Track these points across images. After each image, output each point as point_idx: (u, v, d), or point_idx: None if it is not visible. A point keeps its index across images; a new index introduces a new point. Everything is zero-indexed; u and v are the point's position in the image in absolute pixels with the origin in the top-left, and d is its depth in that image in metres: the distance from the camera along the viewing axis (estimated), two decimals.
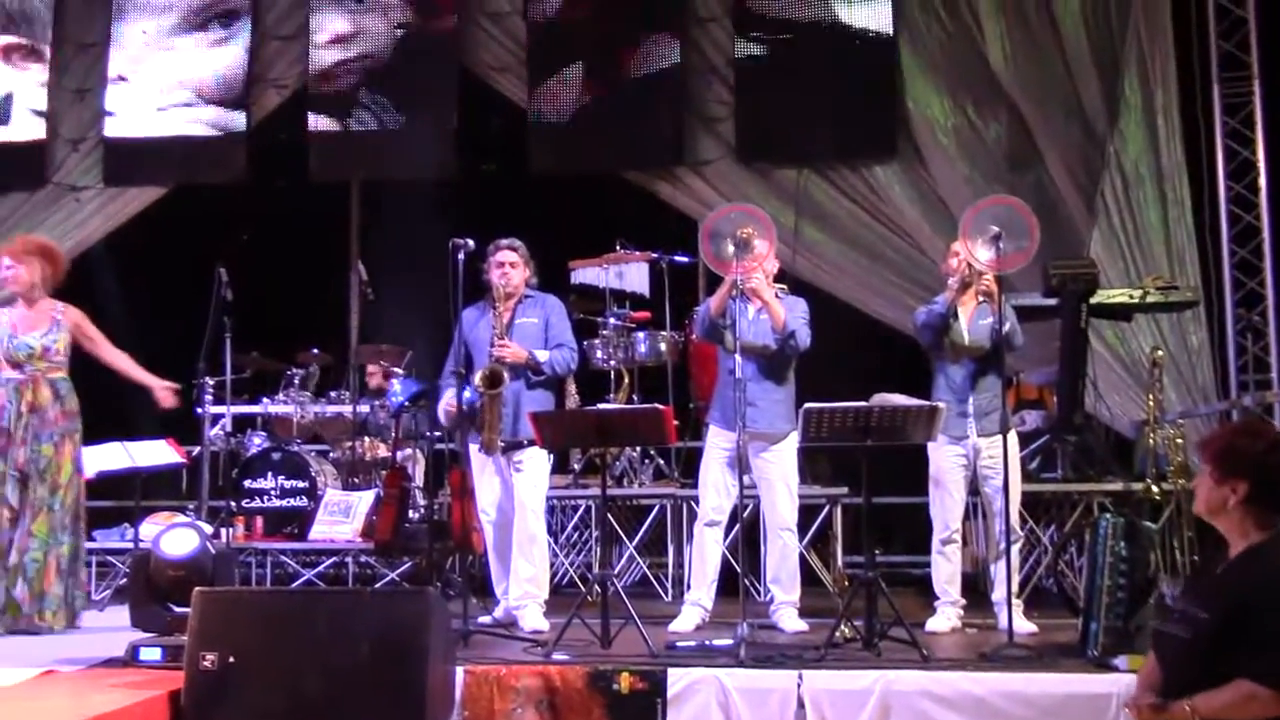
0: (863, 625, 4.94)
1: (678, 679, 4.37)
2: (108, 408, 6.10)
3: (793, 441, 5.61)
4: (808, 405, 5.01)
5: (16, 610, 5.54)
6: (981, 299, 5.59)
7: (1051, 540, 6.86)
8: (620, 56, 8.79)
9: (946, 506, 5.64)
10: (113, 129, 9.24)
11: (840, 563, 6.88)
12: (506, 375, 5.57)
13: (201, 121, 9.20)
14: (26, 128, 9.32)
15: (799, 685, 4.31)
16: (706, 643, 4.90)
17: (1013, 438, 5.65)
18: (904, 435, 5.16)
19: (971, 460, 5.62)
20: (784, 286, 6.60)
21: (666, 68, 8.72)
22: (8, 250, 5.94)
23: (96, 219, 9.01)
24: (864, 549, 5.27)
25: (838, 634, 4.87)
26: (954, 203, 8.01)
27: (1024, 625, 5.44)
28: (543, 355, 5.70)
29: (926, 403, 5.33)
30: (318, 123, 9.07)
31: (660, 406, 5.31)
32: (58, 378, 5.80)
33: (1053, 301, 6.97)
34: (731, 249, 5.32)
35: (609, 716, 4.34)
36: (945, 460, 5.62)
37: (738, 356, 5.17)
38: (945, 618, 5.59)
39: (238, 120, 9.12)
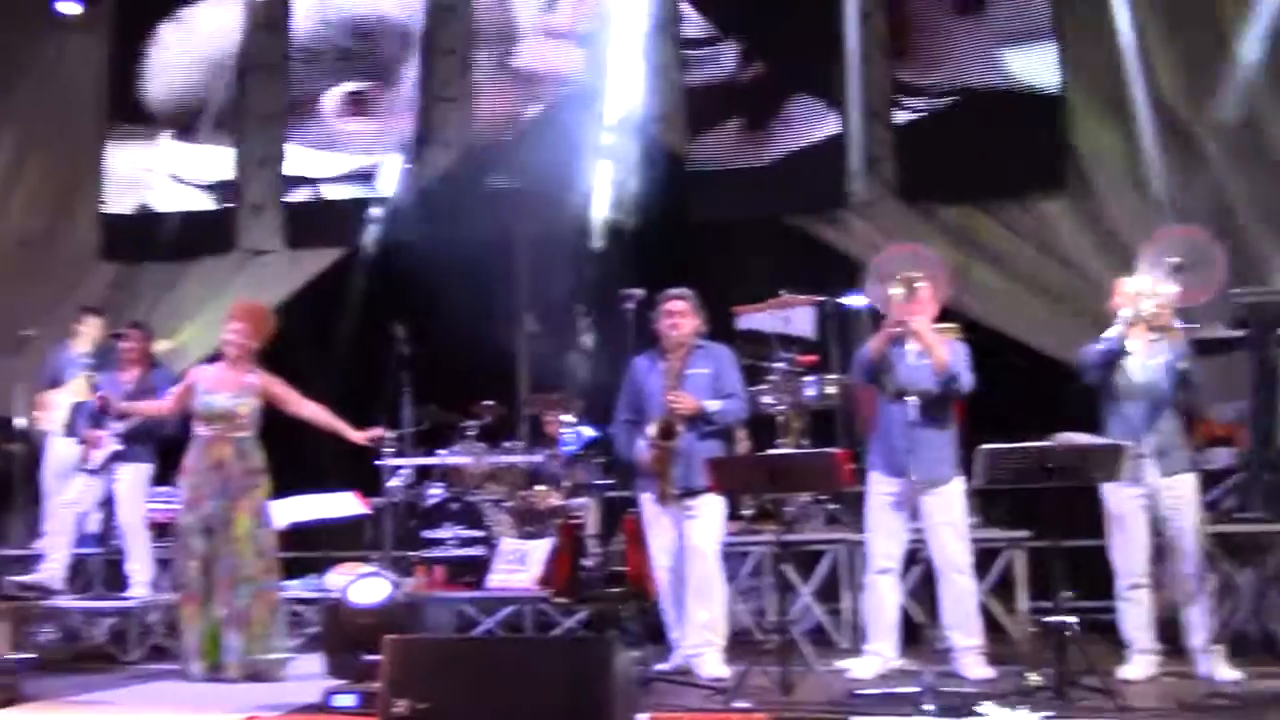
0: (1052, 673, 4.79)
1: None
2: (299, 461, 6.34)
3: (957, 485, 5.52)
4: (985, 446, 4.91)
5: (216, 657, 5.80)
6: (1155, 335, 5.41)
7: (1250, 583, 6.53)
8: (780, 103, 8.83)
9: (1130, 551, 5.44)
10: (292, 195, 9.70)
11: (1023, 608, 6.68)
12: (680, 427, 5.59)
13: (375, 182, 9.58)
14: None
15: None
16: (890, 690, 4.82)
17: (1192, 477, 5.43)
18: (1087, 475, 5.03)
19: (1153, 501, 5.42)
20: (955, 326, 6.53)
21: (827, 108, 8.74)
22: (240, 316, 6.28)
23: (281, 281, 9.41)
24: (1051, 593, 5.09)
25: (1027, 682, 4.73)
26: (1126, 235, 7.80)
27: (1226, 673, 5.19)
28: (714, 406, 5.70)
29: (1110, 441, 5.17)
30: (484, 179, 9.35)
31: (834, 450, 5.28)
32: (241, 437, 6.09)
33: (1239, 333, 6.69)
34: (896, 291, 5.28)
35: None
36: (1124, 502, 5.43)
37: (911, 400, 5.11)
38: (1139, 665, 5.38)
39: (410, 181, 9.45)
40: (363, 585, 4.85)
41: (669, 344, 5.73)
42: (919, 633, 6.39)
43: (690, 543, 5.61)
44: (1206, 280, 5.03)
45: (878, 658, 5.52)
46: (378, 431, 6.26)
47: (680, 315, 5.77)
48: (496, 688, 4.13)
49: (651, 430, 5.58)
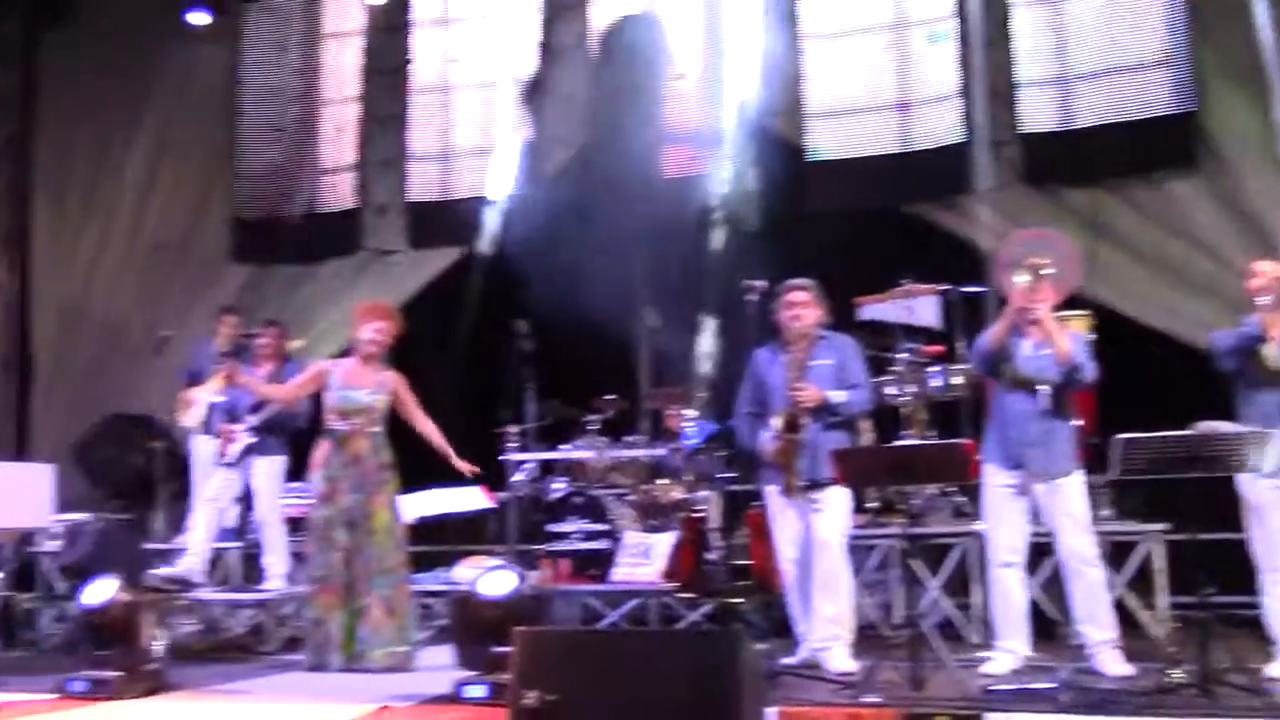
0: (1196, 670, 4.63)
1: None
2: (425, 456, 6.43)
3: (1077, 478, 5.38)
4: (1122, 435, 4.77)
5: (353, 648, 5.94)
6: None
7: None
8: (899, 90, 8.71)
9: (1270, 543, 5.23)
10: (415, 194, 9.87)
11: (1163, 603, 6.48)
12: (805, 419, 5.53)
13: (494, 181, 9.68)
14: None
15: None
16: (1025, 687, 4.70)
17: None
18: (1231, 464, 4.83)
19: None
20: (1086, 313, 6.36)
21: (947, 94, 8.59)
22: (380, 315, 6.42)
23: (405, 281, 9.57)
24: (1192, 587, 4.92)
25: (1169, 679, 4.58)
26: (1262, 215, 7.52)
27: None
28: (838, 397, 5.62)
29: (1255, 429, 4.97)
30: (602, 175, 9.39)
31: (963, 442, 5.17)
32: (375, 432, 6.21)
33: None
34: (1022, 278, 5.16)
35: None
36: (1262, 493, 5.21)
37: (1034, 391, 4.97)
38: None
39: (527, 178, 9.55)
40: (491, 578, 4.90)
41: (791, 336, 5.67)
42: (1053, 629, 6.26)
43: (816, 535, 5.55)
44: None
45: (1010, 654, 5.40)
46: (473, 469, 6.36)
47: (802, 306, 5.69)
48: (624, 680, 4.13)
49: (776, 423, 5.53)
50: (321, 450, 6.28)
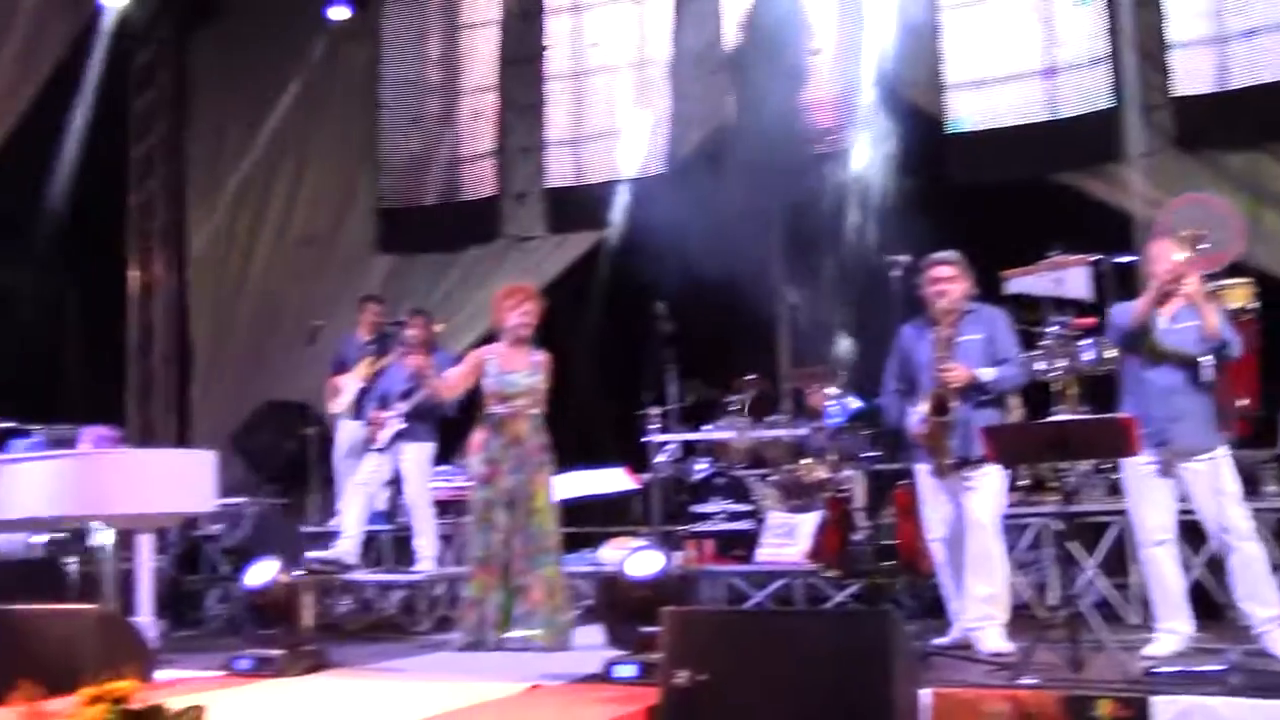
0: None
1: (1165, 707, 4.05)
2: (568, 438, 6.49)
3: (1222, 453, 5.16)
4: None
5: (509, 628, 6.04)
6: None
7: None
8: (1045, 51, 8.45)
9: None
10: (553, 180, 9.95)
11: None
12: (954, 401, 5.36)
13: (629, 163, 9.70)
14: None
15: None
16: (1192, 669, 4.53)
17: None
18: None
19: None
20: (1247, 280, 6.09)
21: (1095, 59, 8.30)
22: (524, 295, 6.48)
23: (546, 265, 9.66)
24: None
25: None
26: None
27: None
28: (988, 374, 5.43)
29: None
30: (738, 153, 9.32)
31: (1124, 416, 4.99)
32: (535, 414, 6.28)
33: None
34: (1178, 249, 4.95)
35: None
36: None
37: (1176, 366, 4.74)
38: None
39: (662, 160, 9.55)
40: (639, 558, 4.92)
41: (937, 311, 5.51)
42: (1220, 611, 6.02)
43: (969, 515, 5.40)
44: None
45: (1173, 635, 5.20)
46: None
47: (948, 280, 5.52)
48: (775, 660, 4.12)
49: (923, 407, 5.39)
50: (480, 434, 6.35)
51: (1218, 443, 5.17)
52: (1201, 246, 4.85)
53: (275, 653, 5.26)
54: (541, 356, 6.36)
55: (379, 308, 8.86)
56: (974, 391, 5.43)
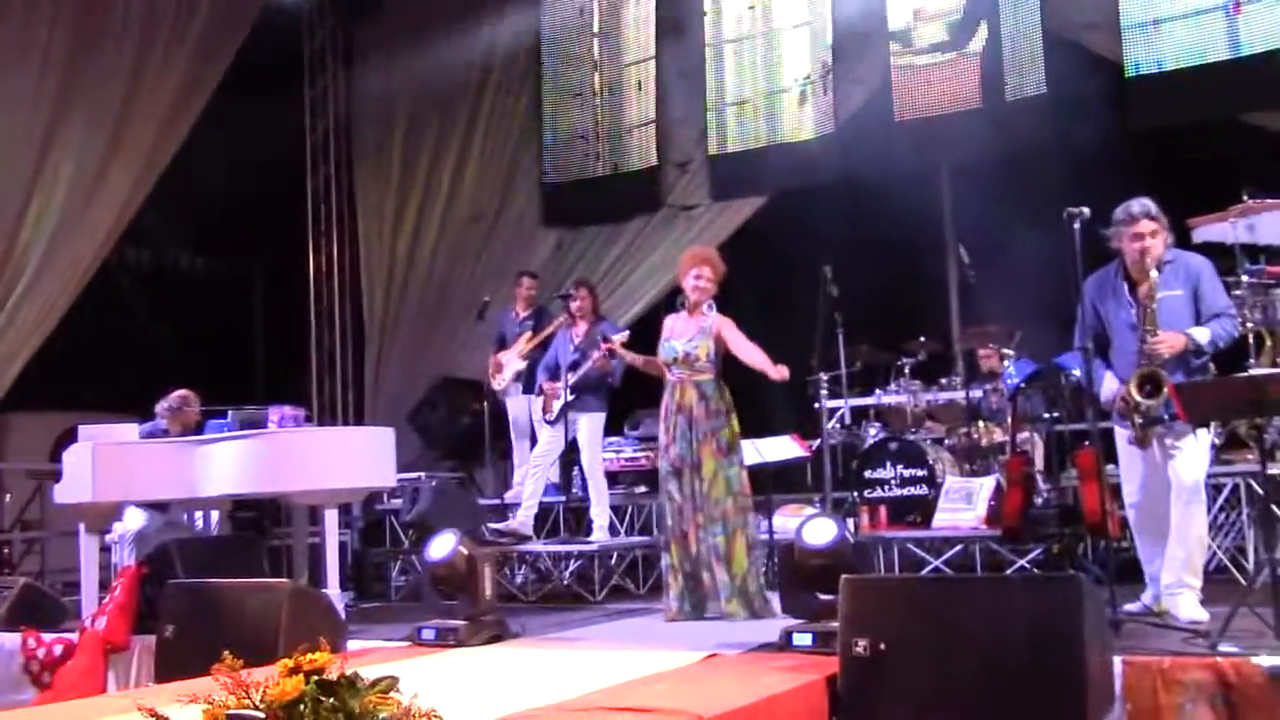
0: None
1: None
2: (738, 407, 6.44)
3: None
4: None
5: (692, 596, 6.08)
6: None
7: None
8: None
9: None
10: (714, 148, 9.89)
11: None
12: (1166, 378, 4.99)
13: (793, 127, 9.58)
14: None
15: None
16: None
17: None
18: None
19: None
20: None
21: None
22: (706, 261, 6.45)
23: (708, 233, 9.61)
24: None
25: None
26: None
27: None
28: (1202, 335, 5.05)
29: None
30: (904, 113, 9.13)
31: None
32: (703, 380, 6.24)
33: None
34: None
35: None
36: None
37: None
38: None
39: (826, 122, 9.40)
40: (814, 526, 4.86)
41: (1139, 270, 5.14)
42: None
43: (1173, 475, 5.11)
44: None
45: None
46: (781, 370, 6.19)
47: (1152, 235, 5.12)
48: (958, 628, 4.02)
49: (1132, 390, 5.04)
50: (664, 402, 6.37)
51: None
52: None
53: (457, 623, 5.37)
54: (712, 322, 6.31)
55: (533, 281, 8.98)
56: (1189, 356, 5.08)
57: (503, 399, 8.85)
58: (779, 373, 6.12)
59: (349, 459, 6.67)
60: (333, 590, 6.36)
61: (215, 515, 8.10)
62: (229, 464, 6.59)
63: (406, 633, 5.56)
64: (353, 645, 5.42)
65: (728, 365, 6.35)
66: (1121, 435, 5.31)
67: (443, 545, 5.55)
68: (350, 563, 8.30)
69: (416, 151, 11.20)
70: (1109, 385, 5.28)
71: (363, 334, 11.27)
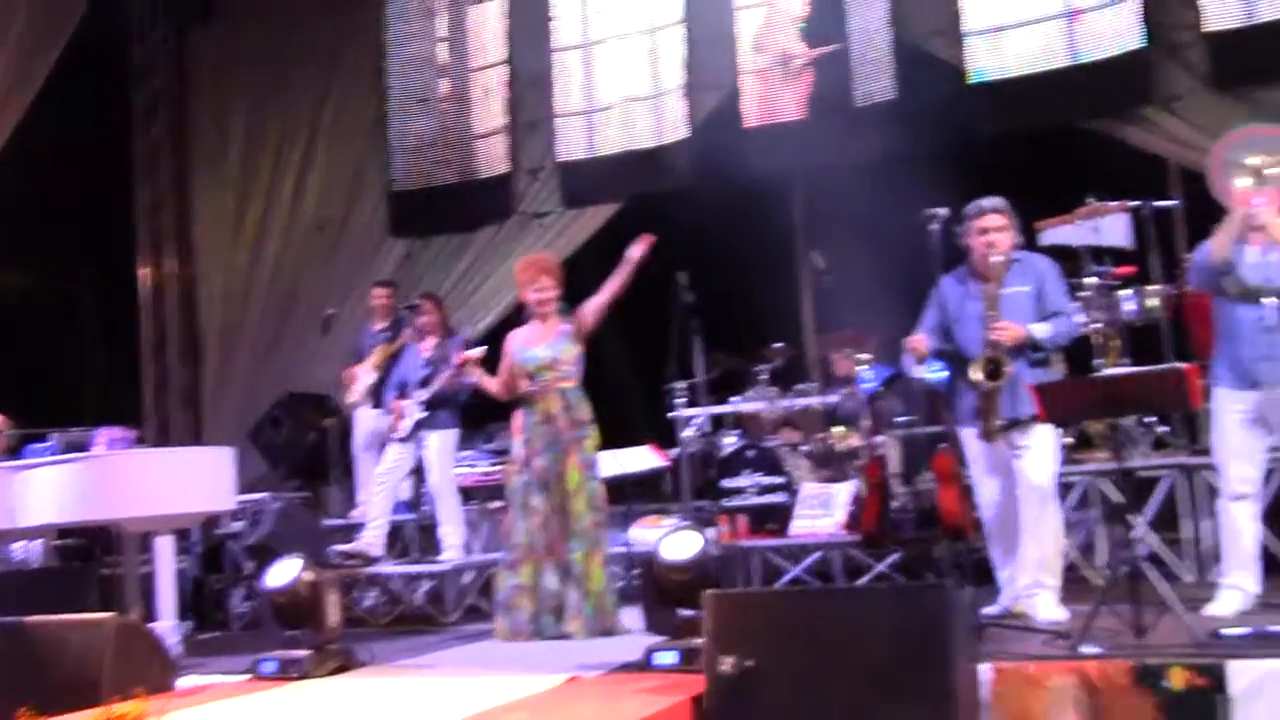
0: None
1: (1243, 673, 3.81)
2: (597, 418, 6.27)
3: None
4: None
5: (556, 616, 5.87)
6: None
7: None
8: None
9: None
10: (565, 154, 9.70)
11: None
12: (1008, 367, 5.06)
13: (644, 133, 9.46)
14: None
15: None
16: (1265, 629, 4.28)
17: None
18: None
19: None
20: None
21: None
22: (545, 270, 6.27)
23: (560, 241, 9.42)
24: None
25: None
26: None
27: None
28: (1042, 330, 5.15)
29: None
30: (752, 118, 9.09)
31: (1182, 366, 4.73)
32: (568, 387, 6.06)
33: None
34: (1243, 180, 4.68)
35: (1164, 718, 3.86)
36: None
37: (1269, 301, 4.50)
38: None
39: (679, 128, 9.30)
40: (675, 539, 4.70)
41: (985, 265, 5.20)
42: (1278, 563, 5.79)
43: (1022, 477, 5.16)
44: None
45: (1238, 592, 4.97)
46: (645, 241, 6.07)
47: (998, 231, 5.23)
48: (827, 641, 3.91)
49: (975, 374, 5.10)
50: (517, 418, 6.17)
51: None
52: (1271, 171, 4.58)
53: (301, 654, 5.06)
54: (570, 324, 6.15)
55: (386, 291, 8.68)
56: (1027, 349, 5.18)
57: (351, 414, 8.51)
58: (642, 245, 6.03)
59: (183, 482, 6.26)
60: (167, 622, 5.96)
61: (39, 545, 7.57)
62: (51, 491, 6.11)
63: (245, 666, 5.22)
64: (186, 681, 5.07)
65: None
66: (970, 434, 5.31)
67: (283, 572, 5.23)
68: (189, 591, 7.84)
69: (257, 158, 10.77)
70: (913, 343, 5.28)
71: (200, 349, 10.76)
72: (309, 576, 5.20)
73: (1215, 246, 4.92)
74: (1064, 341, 5.31)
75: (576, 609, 5.83)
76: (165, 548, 6.13)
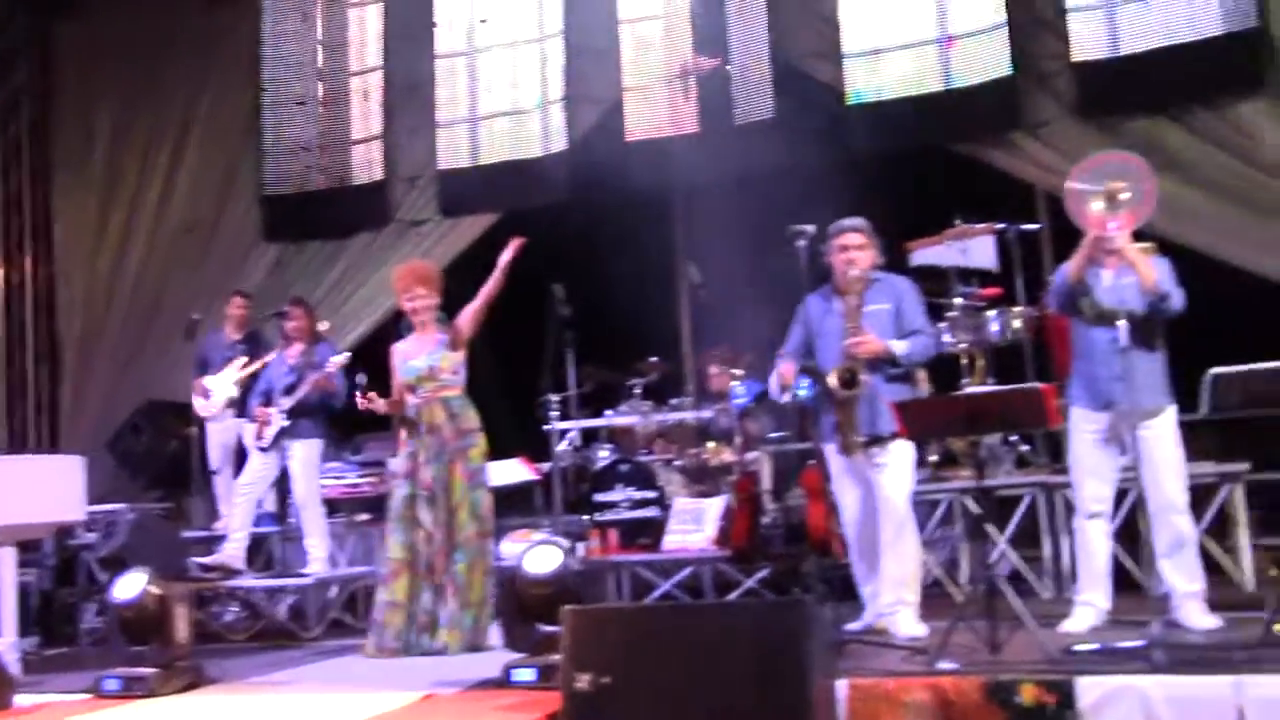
0: None
1: (1090, 689, 3.88)
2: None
3: (1171, 414, 5.03)
4: (1217, 370, 4.39)
5: (436, 632, 5.74)
6: None
7: None
8: (940, 19, 8.30)
9: None
10: (444, 163, 9.57)
11: (1246, 548, 6.13)
12: (864, 375, 5.17)
13: (524, 144, 9.39)
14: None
15: (1237, 693, 3.73)
16: (1112, 646, 4.37)
17: None
18: None
19: None
20: (1150, 246, 5.98)
21: (991, 27, 8.16)
22: (418, 279, 6.14)
23: (437, 250, 9.28)
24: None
25: (1275, 630, 4.23)
26: None
27: None
28: (900, 346, 5.26)
29: None
30: (635, 132, 9.08)
31: (1040, 386, 4.82)
32: (451, 396, 5.97)
33: None
34: (1097, 205, 4.80)
35: None
36: None
37: (1120, 324, 4.62)
38: None
39: (558, 140, 9.25)
40: (537, 554, 4.63)
41: (845, 282, 5.32)
42: (1130, 580, 5.94)
43: (880, 494, 5.23)
44: None
45: (1091, 609, 5.08)
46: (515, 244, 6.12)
47: (857, 249, 5.34)
48: (684, 658, 3.86)
49: (831, 380, 5.19)
50: (403, 431, 6.04)
51: (1166, 402, 5.04)
52: (1124, 196, 4.71)
53: (147, 671, 4.87)
54: (446, 334, 6.06)
55: (245, 301, 8.47)
56: (884, 364, 5.26)
57: (208, 424, 8.26)
58: (513, 248, 6.08)
59: (28, 491, 5.97)
60: (7, 638, 5.68)
61: None
62: None
63: (89, 683, 5.00)
64: (26, 700, 4.83)
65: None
66: (831, 449, 5.35)
67: (130, 585, 5.03)
68: (38, 605, 7.52)
69: (124, 157, 10.40)
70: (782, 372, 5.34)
71: (59, 353, 10.35)
72: (156, 590, 5.02)
73: (1071, 269, 5.04)
74: (920, 359, 5.39)
75: (455, 621, 5.71)
76: (7, 559, 5.85)
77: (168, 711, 4.58)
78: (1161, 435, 5.01)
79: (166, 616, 4.99)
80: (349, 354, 7.18)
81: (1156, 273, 4.97)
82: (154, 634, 5.00)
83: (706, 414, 7.78)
